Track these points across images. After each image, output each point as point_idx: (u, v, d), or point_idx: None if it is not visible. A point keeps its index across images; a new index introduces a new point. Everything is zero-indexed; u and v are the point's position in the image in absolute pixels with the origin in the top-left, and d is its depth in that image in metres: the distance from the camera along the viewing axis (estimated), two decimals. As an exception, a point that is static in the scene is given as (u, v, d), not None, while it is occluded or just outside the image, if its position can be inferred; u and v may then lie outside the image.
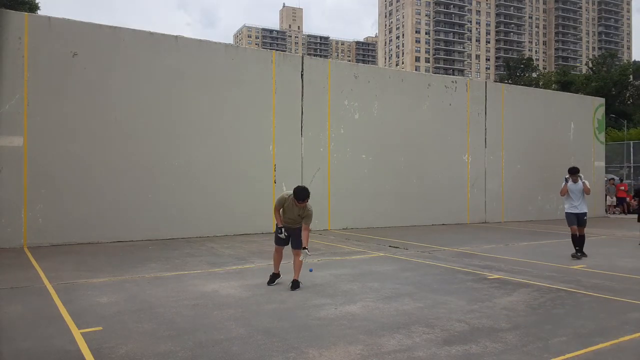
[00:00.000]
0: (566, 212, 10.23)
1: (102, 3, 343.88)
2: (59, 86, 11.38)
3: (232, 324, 5.32)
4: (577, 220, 10.01)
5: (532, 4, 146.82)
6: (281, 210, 7.18)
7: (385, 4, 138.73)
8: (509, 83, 57.70)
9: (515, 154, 18.88)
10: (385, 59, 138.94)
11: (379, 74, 16.55)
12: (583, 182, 10.04)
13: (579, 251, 9.90)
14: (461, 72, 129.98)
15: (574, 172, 10.15)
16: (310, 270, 7.70)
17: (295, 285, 7.03)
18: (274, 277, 7.38)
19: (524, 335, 5.03)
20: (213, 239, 12.53)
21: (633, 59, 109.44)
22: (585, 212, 10.11)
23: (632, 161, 29.97)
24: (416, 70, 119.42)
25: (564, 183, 10.24)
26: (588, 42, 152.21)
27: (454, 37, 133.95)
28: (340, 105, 15.23)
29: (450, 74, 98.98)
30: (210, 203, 13.00)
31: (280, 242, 7.34)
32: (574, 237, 10.05)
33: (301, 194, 6.86)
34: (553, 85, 71.10)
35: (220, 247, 11.14)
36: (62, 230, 11.23)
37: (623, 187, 23.42)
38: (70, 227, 11.32)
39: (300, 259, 7.07)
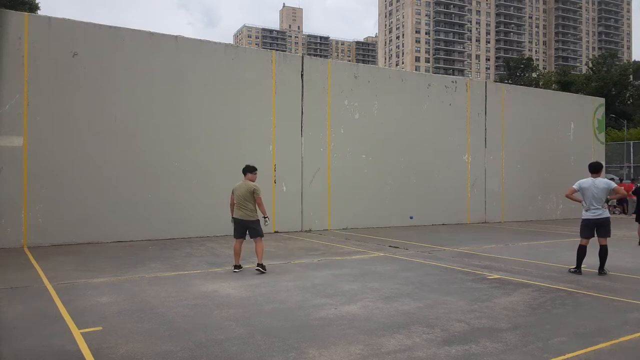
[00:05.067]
0: (584, 219, 8.30)
1: (103, 2, 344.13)
2: (59, 86, 11.38)
3: (232, 324, 5.32)
4: (597, 229, 8.20)
5: (532, 4, 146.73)
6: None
7: (385, 4, 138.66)
8: (509, 83, 57.72)
9: (515, 154, 18.87)
10: (385, 59, 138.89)
11: (379, 74, 16.55)
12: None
13: (578, 266, 8.34)
14: (461, 72, 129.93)
15: (597, 169, 8.32)
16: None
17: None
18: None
19: (524, 335, 5.03)
20: (213, 239, 12.53)
21: (633, 59, 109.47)
22: (609, 217, 8.20)
23: (632, 161, 30.00)
24: (416, 70, 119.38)
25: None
26: (588, 42, 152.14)
27: (454, 37, 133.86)
28: (340, 105, 15.23)
29: (450, 74, 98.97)
30: (210, 203, 12.99)
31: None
32: (581, 249, 8.31)
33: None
34: (553, 85, 71.06)
35: (220, 247, 11.14)
36: (62, 230, 11.23)
37: (623, 187, 23.40)
38: (71, 227, 11.33)
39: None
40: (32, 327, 5.20)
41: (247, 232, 8.29)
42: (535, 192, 19.34)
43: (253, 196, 8.17)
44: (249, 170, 8.45)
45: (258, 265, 8.13)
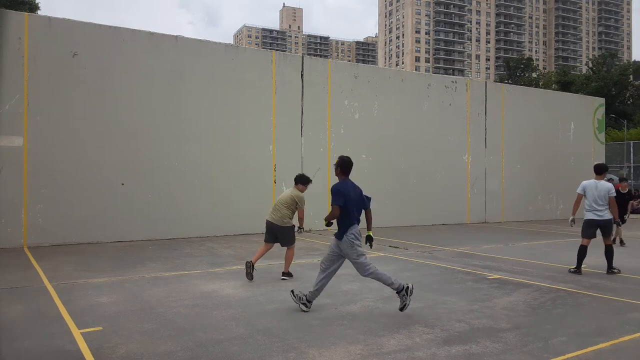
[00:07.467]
0: (586, 220, 8.35)
1: (103, 2, 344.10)
2: (59, 86, 11.38)
3: (232, 324, 5.32)
4: (600, 230, 8.31)
5: (532, 4, 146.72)
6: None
7: (385, 4, 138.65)
8: (509, 83, 57.69)
9: (515, 154, 18.87)
10: (385, 59, 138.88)
11: (379, 74, 16.56)
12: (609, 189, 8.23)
13: (578, 267, 8.33)
14: (461, 72, 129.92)
15: (602, 170, 8.46)
16: None
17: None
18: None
19: (524, 335, 5.03)
20: (213, 239, 12.53)
21: (633, 59, 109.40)
22: (611, 219, 8.29)
23: (632, 161, 30.02)
24: (416, 70, 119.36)
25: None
26: (588, 42, 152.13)
27: (454, 37, 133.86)
28: (340, 105, 15.23)
29: (450, 74, 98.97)
30: (210, 203, 13.00)
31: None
32: (582, 249, 8.32)
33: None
34: (553, 85, 71.03)
35: (220, 247, 11.14)
36: (62, 230, 11.23)
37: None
38: (71, 227, 11.33)
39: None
40: (32, 327, 5.20)
41: (277, 239, 7.74)
42: (535, 192, 19.33)
43: (294, 204, 7.64)
44: (302, 181, 7.81)
45: (284, 273, 7.74)
